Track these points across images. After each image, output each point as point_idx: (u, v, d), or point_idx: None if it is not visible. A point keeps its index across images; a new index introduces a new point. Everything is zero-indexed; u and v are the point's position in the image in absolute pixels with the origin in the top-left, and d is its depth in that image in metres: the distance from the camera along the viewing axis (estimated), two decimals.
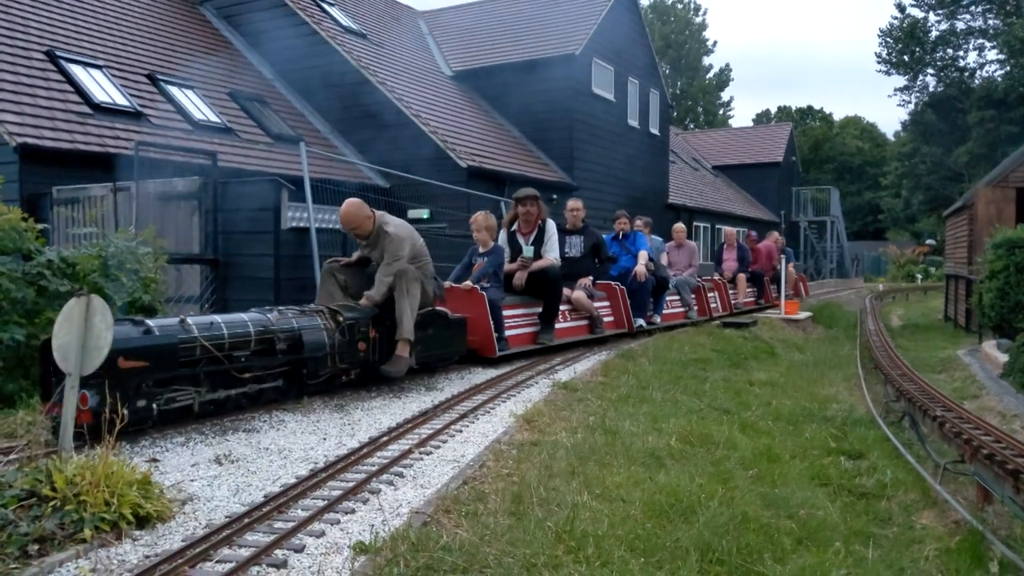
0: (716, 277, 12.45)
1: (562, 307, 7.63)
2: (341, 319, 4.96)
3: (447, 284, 6.55)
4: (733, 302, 12.44)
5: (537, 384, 5.77)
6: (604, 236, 9.01)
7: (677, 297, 10.39)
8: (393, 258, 5.38)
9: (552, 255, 7.32)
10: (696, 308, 10.78)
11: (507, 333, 6.79)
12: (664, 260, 10.23)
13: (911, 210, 49.57)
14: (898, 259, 40.05)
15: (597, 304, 8.26)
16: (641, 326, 8.84)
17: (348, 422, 4.41)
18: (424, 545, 2.55)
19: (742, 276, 12.90)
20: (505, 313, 6.84)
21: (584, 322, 8.14)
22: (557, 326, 7.52)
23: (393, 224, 5.62)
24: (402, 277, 5.30)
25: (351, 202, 5.56)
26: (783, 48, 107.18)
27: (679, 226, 11.82)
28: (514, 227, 7.55)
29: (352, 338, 4.98)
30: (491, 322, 6.52)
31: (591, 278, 8.15)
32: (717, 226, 25.94)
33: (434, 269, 5.96)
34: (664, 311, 9.80)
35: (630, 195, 18.77)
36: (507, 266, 7.30)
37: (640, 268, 8.80)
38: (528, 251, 7.33)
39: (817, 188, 37.76)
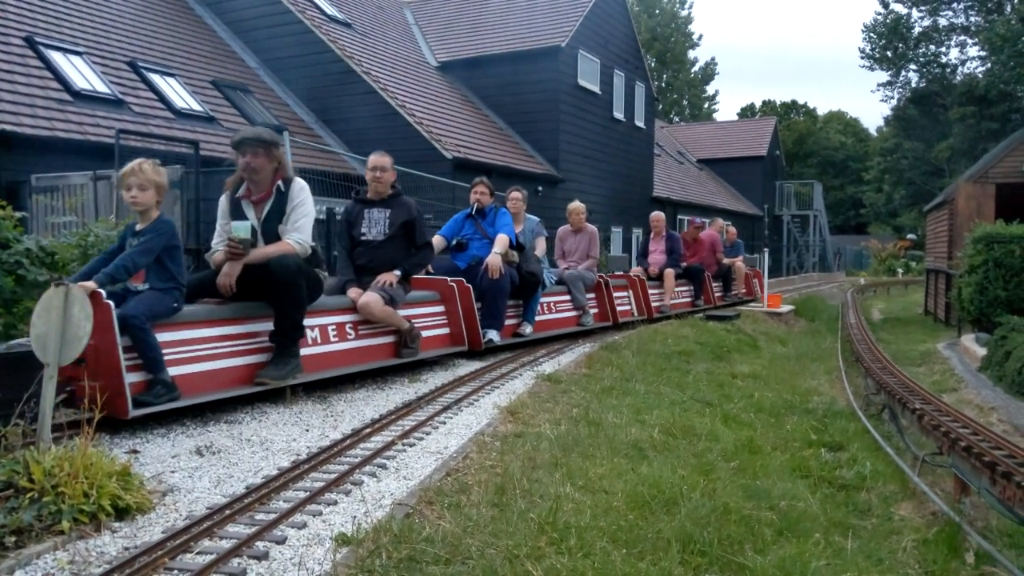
0: (633, 272, 10.35)
1: (340, 319, 5.15)
2: None
3: None
4: (657, 304, 10.13)
5: (521, 376, 5.77)
6: (459, 213, 7.19)
7: (567, 297, 8.17)
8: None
9: (296, 237, 4.57)
10: (595, 311, 8.64)
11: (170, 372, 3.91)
12: (541, 247, 7.77)
13: (893, 205, 50.06)
14: (879, 253, 40.46)
15: (415, 311, 5.83)
16: (491, 341, 6.45)
17: (331, 413, 4.39)
18: (407, 537, 2.55)
19: (670, 272, 10.41)
20: (168, 337, 3.98)
21: (387, 340, 5.50)
22: (323, 348, 4.95)
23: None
24: None
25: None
26: (768, 42, 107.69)
27: (575, 205, 9.08)
28: (240, 190, 4.72)
29: None
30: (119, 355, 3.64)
31: (399, 273, 5.46)
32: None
33: None
34: (542, 316, 7.60)
35: (615, 187, 18.81)
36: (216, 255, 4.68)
37: (492, 259, 6.45)
38: (242, 228, 4.48)
39: (800, 182, 38.02)
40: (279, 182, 4.63)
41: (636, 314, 9.55)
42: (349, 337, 5.21)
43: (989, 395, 7.58)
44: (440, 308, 6.25)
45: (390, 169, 5.71)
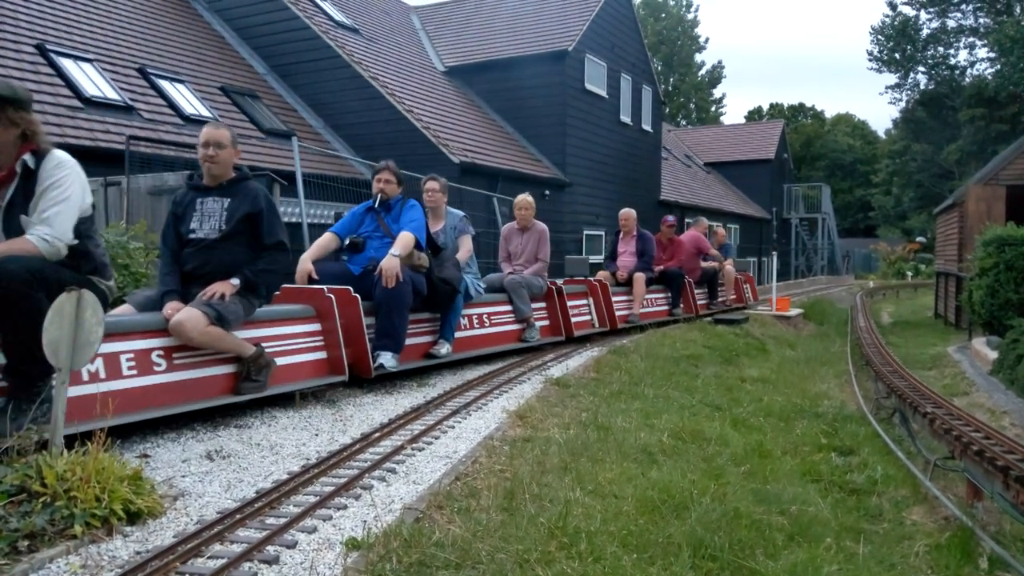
0: (600, 276, 9.26)
1: (143, 345, 3.86)
2: None
3: None
4: (625, 312, 9.09)
5: (529, 380, 5.77)
6: (359, 205, 5.76)
7: (507, 308, 7.02)
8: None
9: (43, 232, 3.25)
10: (543, 323, 7.53)
11: None
12: (465, 249, 6.36)
13: (902, 207, 49.88)
14: (889, 256, 40.31)
15: (276, 331, 4.59)
16: (383, 367, 5.07)
17: (340, 418, 4.40)
18: (416, 541, 2.54)
19: (640, 277, 9.22)
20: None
21: (221, 371, 4.19)
22: (113, 385, 3.64)
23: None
24: None
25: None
26: (775, 45, 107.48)
27: (522, 199, 7.75)
28: None
29: None
30: None
31: (236, 282, 4.17)
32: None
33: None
34: (470, 332, 6.42)
35: (622, 191, 18.80)
36: None
37: (388, 263, 5.05)
38: None
39: (808, 185, 37.94)
40: (26, 156, 3.28)
41: (596, 324, 8.42)
42: (156, 369, 3.87)
43: (1001, 399, 7.53)
44: (315, 326, 4.88)
45: (229, 145, 4.32)
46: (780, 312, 12.86)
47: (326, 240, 5.61)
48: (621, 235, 9.86)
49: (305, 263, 5.31)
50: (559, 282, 8.20)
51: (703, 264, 11.51)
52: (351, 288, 5.10)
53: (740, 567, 2.81)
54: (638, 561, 2.67)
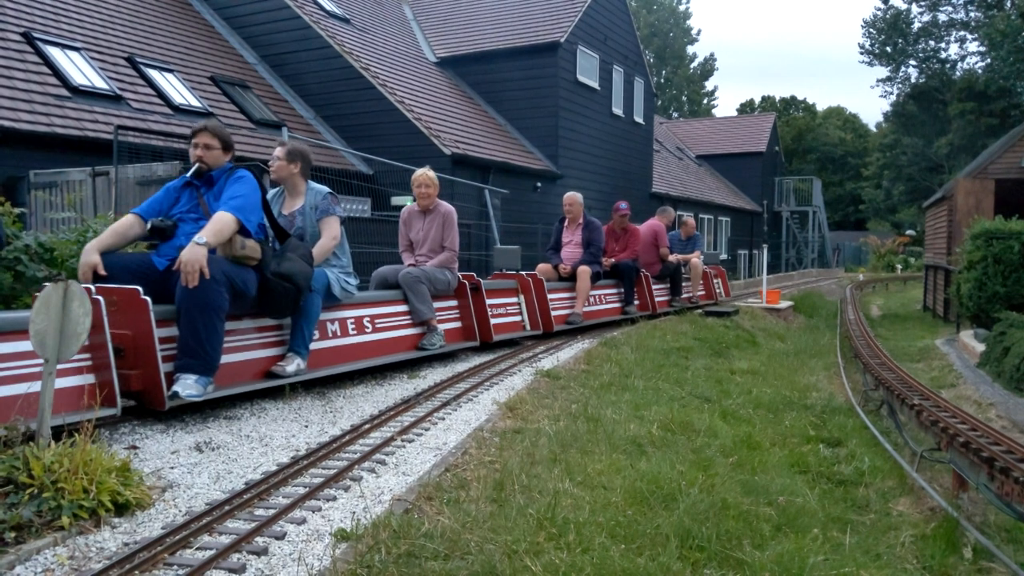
0: (539, 270, 8.23)
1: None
2: None
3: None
4: (565, 312, 8.01)
5: (520, 372, 5.78)
6: (175, 180, 4.47)
7: (401, 308, 5.84)
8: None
9: None
10: (451, 326, 6.40)
11: None
12: (329, 236, 4.96)
13: (892, 201, 50.11)
14: (878, 249, 40.47)
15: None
16: (177, 395, 3.80)
17: (330, 409, 4.40)
18: (406, 532, 2.55)
19: (585, 270, 8.14)
20: None
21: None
22: None
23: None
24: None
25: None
26: (767, 38, 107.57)
27: (420, 174, 6.36)
28: None
29: None
30: None
31: None
32: (700, 215, 26.05)
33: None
34: (336, 341, 5.14)
35: (614, 183, 18.81)
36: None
37: (189, 254, 3.84)
38: None
39: (799, 178, 38.03)
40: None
41: (528, 327, 7.31)
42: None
43: (988, 391, 7.59)
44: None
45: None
46: (770, 305, 12.92)
47: (125, 224, 4.24)
48: (566, 223, 8.69)
49: (89, 255, 3.96)
50: (485, 277, 7.33)
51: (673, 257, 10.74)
52: (140, 289, 3.80)
53: (727, 557, 2.83)
54: (626, 552, 2.68)
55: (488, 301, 6.70)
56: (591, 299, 8.47)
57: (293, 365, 4.55)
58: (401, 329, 5.81)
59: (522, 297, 7.37)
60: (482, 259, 12.53)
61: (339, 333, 5.20)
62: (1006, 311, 10.07)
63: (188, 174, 4.36)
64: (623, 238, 9.41)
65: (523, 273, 7.63)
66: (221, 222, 4.03)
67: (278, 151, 4.99)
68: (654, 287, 10.04)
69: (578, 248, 8.49)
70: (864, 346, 9.94)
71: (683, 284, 10.90)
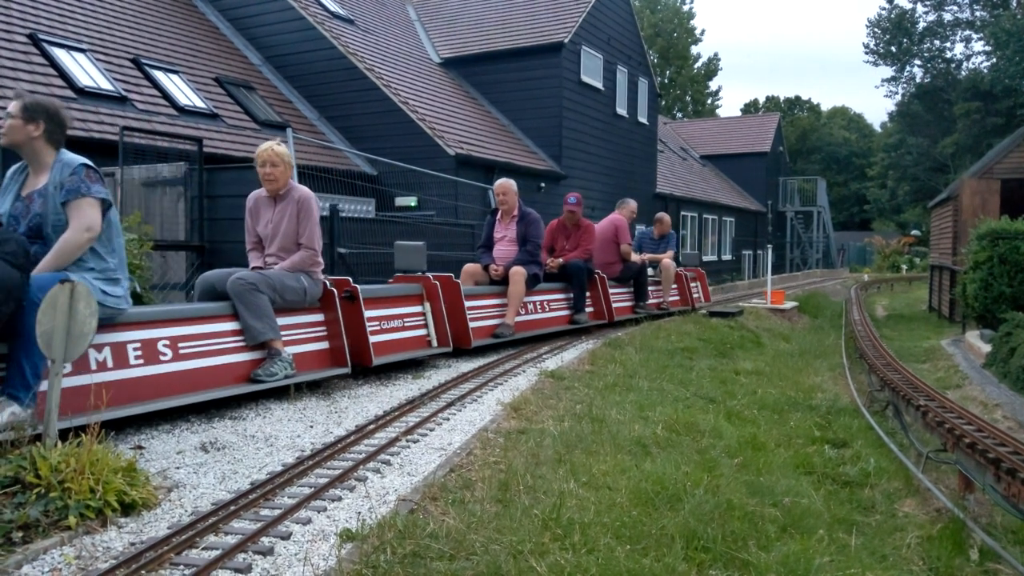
0: (467, 272, 7.17)
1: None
2: None
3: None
4: (495, 322, 6.78)
5: (524, 373, 5.78)
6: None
7: (230, 327, 4.47)
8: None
9: None
10: (315, 347, 4.98)
11: None
12: (80, 226, 3.49)
13: (897, 201, 49.99)
14: (883, 249, 40.37)
15: None
16: None
17: (335, 410, 4.40)
18: (411, 532, 2.55)
19: (519, 272, 6.90)
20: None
21: None
22: None
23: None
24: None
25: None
26: (771, 38, 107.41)
27: (266, 148, 4.87)
28: None
29: None
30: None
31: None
32: (704, 215, 26.02)
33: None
34: (127, 371, 3.80)
35: (618, 184, 18.80)
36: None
37: None
38: None
39: (804, 178, 37.97)
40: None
41: (435, 343, 5.96)
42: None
43: (994, 391, 7.56)
44: None
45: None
46: (775, 305, 12.90)
47: None
48: (499, 216, 7.42)
49: None
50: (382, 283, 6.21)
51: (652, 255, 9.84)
52: None
53: (733, 558, 2.82)
54: (631, 552, 2.68)
55: (371, 312, 5.34)
56: (530, 306, 7.28)
57: (5, 415, 3.07)
58: (225, 355, 4.32)
59: (428, 305, 6.01)
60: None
61: (111, 364, 3.72)
62: (1012, 311, 10.03)
63: None
64: (575, 234, 8.18)
65: (430, 275, 6.17)
66: None
67: (12, 106, 3.54)
68: (613, 291, 8.71)
69: (512, 245, 7.24)
70: (869, 347, 9.92)
71: (653, 288, 9.80)
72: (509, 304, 6.89)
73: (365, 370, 5.36)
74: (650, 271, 9.89)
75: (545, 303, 7.63)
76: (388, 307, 5.64)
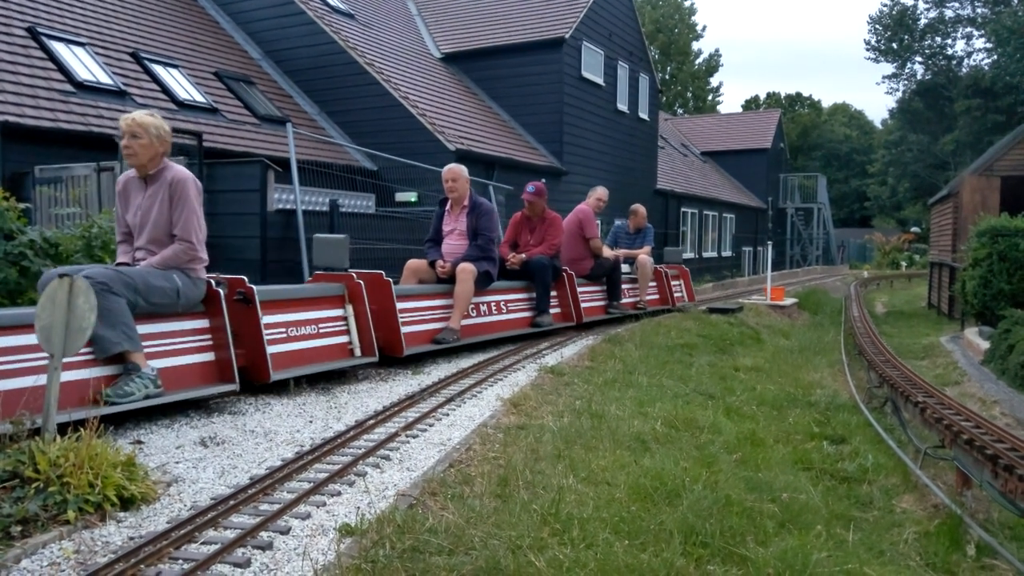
0: (413, 268, 6.48)
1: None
2: None
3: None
4: (439, 326, 6.06)
5: (524, 368, 5.78)
6: None
7: (84, 356, 3.61)
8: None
9: None
10: (196, 359, 4.17)
11: None
12: None
13: (897, 198, 50.00)
14: (883, 246, 40.40)
15: None
16: None
17: (334, 405, 4.40)
18: (410, 527, 2.56)
19: (467, 269, 6.18)
20: None
21: None
22: None
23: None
24: None
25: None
26: (772, 34, 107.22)
27: (128, 119, 4.27)
28: None
29: None
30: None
31: None
32: (705, 212, 26.01)
33: None
34: None
35: (619, 180, 18.78)
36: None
37: None
38: None
39: (804, 175, 37.95)
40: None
41: (358, 351, 5.15)
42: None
43: (992, 388, 7.57)
44: None
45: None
46: (775, 302, 12.90)
47: None
48: (448, 206, 6.69)
49: None
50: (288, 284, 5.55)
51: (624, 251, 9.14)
52: None
53: (731, 554, 2.83)
54: (630, 547, 2.68)
55: (274, 318, 4.59)
56: (483, 308, 6.60)
57: None
58: (65, 370, 3.19)
59: (351, 308, 5.19)
60: None
61: None
62: (1011, 308, 10.03)
63: None
64: (540, 228, 7.47)
65: (354, 274, 5.40)
66: None
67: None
68: (582, 290, 8.06)
69: (462, 239, 6.51)
70: (868, 343, 9.92)
71: (629, 286, 9.18)
72: (455, 306, 6.12)
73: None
74: (626, 268, 9.27)
75: (502, 304, 6.88)
76: (298, 311, 4.82)
